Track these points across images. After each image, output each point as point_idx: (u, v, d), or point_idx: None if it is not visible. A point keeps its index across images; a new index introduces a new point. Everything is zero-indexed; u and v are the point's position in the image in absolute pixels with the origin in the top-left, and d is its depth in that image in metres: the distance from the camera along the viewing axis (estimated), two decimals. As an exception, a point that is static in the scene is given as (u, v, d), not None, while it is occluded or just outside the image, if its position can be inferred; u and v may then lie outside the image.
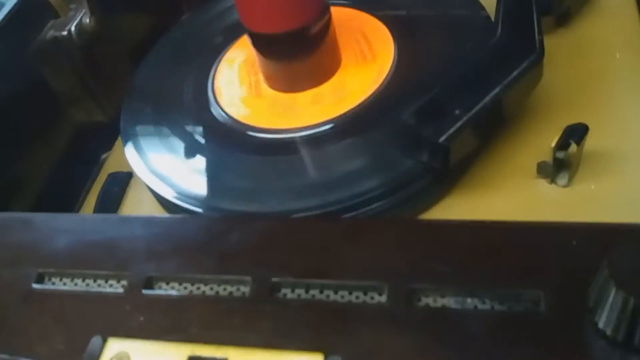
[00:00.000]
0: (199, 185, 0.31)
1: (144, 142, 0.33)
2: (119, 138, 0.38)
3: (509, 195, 0.29)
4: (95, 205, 0.34)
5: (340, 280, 0.20)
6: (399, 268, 0.20)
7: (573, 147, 0.27)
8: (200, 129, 0.33)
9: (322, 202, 0.28)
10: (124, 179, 0.35)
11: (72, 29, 0.34)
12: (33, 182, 0.36)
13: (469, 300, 0.19)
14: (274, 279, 0.21)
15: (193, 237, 0.23)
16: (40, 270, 0.23)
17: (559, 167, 0.28)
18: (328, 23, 0.31)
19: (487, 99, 0.26)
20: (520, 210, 0.28)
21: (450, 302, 0.19)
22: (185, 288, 0.22)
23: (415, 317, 0.19)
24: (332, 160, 0.30)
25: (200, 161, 0.32)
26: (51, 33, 0.34)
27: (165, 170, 0.31)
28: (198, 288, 0.22)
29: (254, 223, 0.23)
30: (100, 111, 0.38)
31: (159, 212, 0.33)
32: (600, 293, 0.16)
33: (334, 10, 0.32)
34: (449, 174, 0.29)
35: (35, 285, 0.23)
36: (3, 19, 0.32)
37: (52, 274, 0.23)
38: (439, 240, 0.20)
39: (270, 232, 0.22)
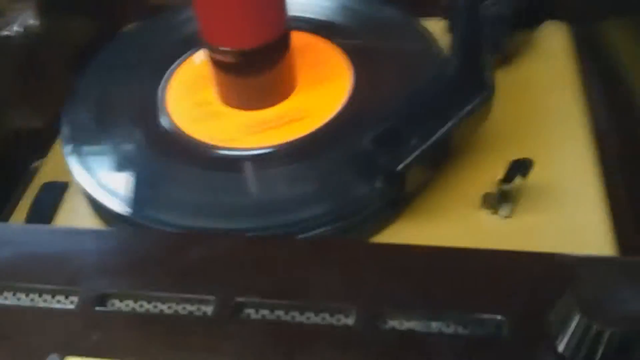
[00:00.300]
0: (144, 197, 0.30)
1: (88, 150, 0.32)
2: (53, 146, 0.37)
3: (453, 223, 0.30)
4: (28, 214, 0.32)
5: (306, 301, 0.20)
6: (364, 290, 0.20)
7: (518, 180, 0.28)
8: (148, 139, 0.32)
9: (271, 222, 0.28)
10: (59, 189, 0.33)
11: (15, 28, 0.33)
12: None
13: (433, 324, 0.19)
14: (238, 299, 0.20)
15: (149, 252, 0.22)
16: (-21, 282, 0.21)
17: (503, 198, 0.29)
18: (287, 43, 0.31)
19: (442, 130, 0.27)
20: (465, 239, 0.29)
21: (415, 325, 0.19)
22: (142, 306, 0.21)
23: (382, 339, 0.19)
24: (283, 182, 0.30)
25: (147, 172, 0.31)
26: (-9, 31, 0.32)
27: (110, 180, 0.30)
28: (155, 306, 0.21)
29: (213, 240, 0.22)
30: (36, 116, 0.36)
31: (95, 225, 0.32)
32: (563, 319, 0.17)
33: (294, 34, 0.32)
34: (399, 201, 0.29)
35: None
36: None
37: (-6, 287, 0.21)
38: (402, 262, 0.21)
39: (231, 249, 0.22)
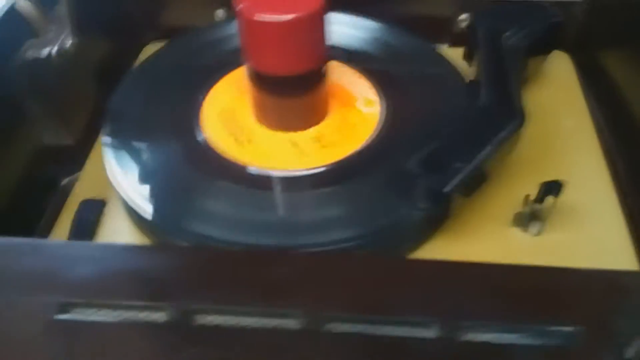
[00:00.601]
0: (189, 213, 0.31)
1: (130, 166, 0.32)
2: (87, 163, 0.38)
3: (486, 241, 0.32)
4: (71, 231, 0.32)
5: (389, 314, 0.21)
6: (443, 304, 0.22)
7: (549, 201, 0.30)
8: (191, 158, 0.33)
9: (321, 239, 0.30)
10: (97, 207, 0.34)
11: (54, 51, 0.33)
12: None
13: (509, 335, 0.21)
14: (324, 313, 0.21)
15: (233, 269, 0.23)
16: (62, 299, 0.22)
17: (533, 217, 0.31)
18: (325, 70, 0.33)
19: (483, 154, 0.29)
20: (497, 255, 0.31)
21: (491, 337, 0.21)
22: (226, 321, 0.22)
23: (461, 351, 0.21)
24: (327, 202, 0.31)
25: (193, 190, 0.32)
26: (31, 53, 0.33)
27: (153, 195, 0.31)
28: (241, 321, 0.22)
29: (294, 257, 0.23)
30: (67, 134, 0.36)
31: (137, 241, 0.32)
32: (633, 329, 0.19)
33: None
34: (438, 220, 0.31)
35: (58, 316, 0.22)
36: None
37: (76, 304, 0.22)
38: (477, 278, 0.22)
39: (313, 266, 0.23)
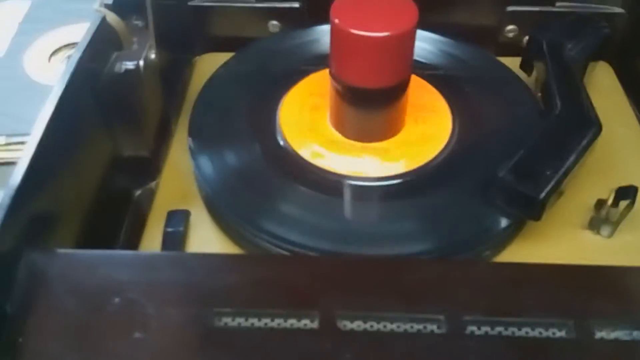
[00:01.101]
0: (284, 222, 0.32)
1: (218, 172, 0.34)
2: (162, 174, 0.38)
3: (561, 244, 0.34)
4: (163, 243, 0.33)
5: (522, 317, 0.23)
6: (573, 305, 0.23)
7: (622, 205, 0.32)
8: (277, 162, 0.34)
9: (420, 248, 0.31)
10: (184, 217, 0.35)
11: (141, 62, 0.34)
12: (69, 218, 0.34)
13: (635, 333, 0.23)
14: (465, 317, 0.23)
15: (368, 276, 0.24)
16: (216, 309, 0.23)
17: (605, 221, 0.33)
18: (408, 84, 0.34)
19: (570, 161, 0.31)
20: (574, 257, 0.33)
21: (621, 334, 0.23)
22: (372, 326, 0.23)
23: (594, 349, 0.22)
24: (423, 210, 0.32)
25: (282, 198, 0.33)
26: (121, 65, 0.34)
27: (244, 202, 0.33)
28: (384, 326, 0.23)
29: (424, 264, 0.25)
30: (145, 146, 0.37)
31: (225, 249, 0.33)
32: None
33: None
34: (521, 226, 0.33)
35: (218, 322, 0.23)
36: (86, 46, 0.31)
37: (228, 313, 0.23)
38: (602, 279, 0.24)
39: (443, 272, 0.25)
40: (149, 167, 0.39)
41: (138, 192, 0.39)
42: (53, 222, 0.30)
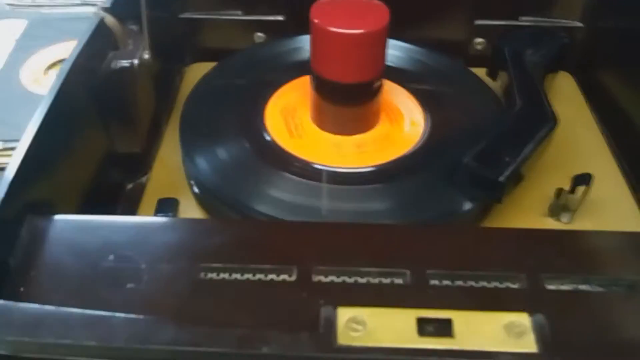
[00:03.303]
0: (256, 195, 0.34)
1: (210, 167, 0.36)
2: (153, 168, 0.41)
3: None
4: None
5: (480, 272, 0.26)
6: (524, 263, 0.26)
7: (579, 190, 0.35)
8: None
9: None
10: (173, 204, 0.37)
11: (135, 62, 0.37)
12: (61, 210, 0.36)
13: (581, 286, 0.25)
14: (428, 271, 0.25)
15: (351, 237, 0.27)
16: (202, 264, 0.25)
17: (564, 208, 0.36)
18: (382, 82, 0.37)
19: (526, 149, 0.34)
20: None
21: (568, 287, 0.25)
22: (344, 281, 0.25)
23: (546, 297, 0.25)
24: (395, 194, 0.35)
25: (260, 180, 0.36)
26: (116, 63, 0.36)
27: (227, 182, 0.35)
28: (356, 281, 0.25)
29: (393, 227, 0.27)
30: (138, 142, 0.40)
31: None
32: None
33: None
34: (486, 209, 0.36)
35: (204, 276, 0.25)
36: (84, 45, 0.34)
37: (213, 268, 0.25)
38: (550, 242, 0.27)
39: (410, 235, 0.27)
40: (141, 163, 0.41)
41: (130, 186, 0.41)
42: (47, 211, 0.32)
